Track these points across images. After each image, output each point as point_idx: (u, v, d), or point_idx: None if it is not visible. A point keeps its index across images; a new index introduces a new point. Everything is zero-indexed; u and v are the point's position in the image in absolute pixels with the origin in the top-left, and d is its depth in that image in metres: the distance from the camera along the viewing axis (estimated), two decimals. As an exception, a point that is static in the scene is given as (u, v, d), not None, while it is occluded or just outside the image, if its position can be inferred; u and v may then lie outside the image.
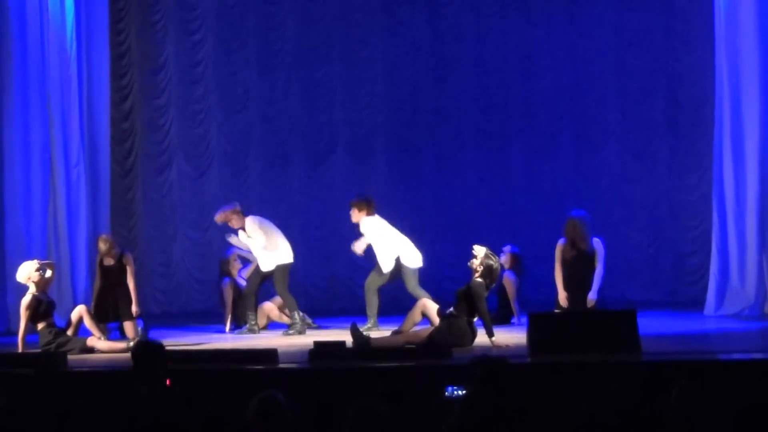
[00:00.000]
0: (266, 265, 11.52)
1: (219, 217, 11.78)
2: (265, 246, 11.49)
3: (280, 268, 11.49)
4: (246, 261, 12.28)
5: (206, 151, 14.58)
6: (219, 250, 13.58)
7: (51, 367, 8.69)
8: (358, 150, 14.36)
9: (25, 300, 10.01)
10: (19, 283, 10.51)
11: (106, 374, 8.74)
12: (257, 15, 14.49)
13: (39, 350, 9.81)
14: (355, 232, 14.23)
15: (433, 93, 14.24)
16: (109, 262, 11.15)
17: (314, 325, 11.71)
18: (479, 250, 9.89)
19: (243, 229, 11.56)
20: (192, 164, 14.59)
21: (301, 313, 11.40)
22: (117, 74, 14.27)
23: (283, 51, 14.43)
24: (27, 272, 10.13)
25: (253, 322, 11.51)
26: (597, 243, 10.98)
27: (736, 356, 8.83)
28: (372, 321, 11.26)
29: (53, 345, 9.81)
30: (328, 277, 13.61)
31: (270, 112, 14.48)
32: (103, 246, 11.16)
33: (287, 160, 14.25)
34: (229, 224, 11.66)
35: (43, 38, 12.41)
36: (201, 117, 14.57)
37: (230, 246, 12.50)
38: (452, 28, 14.19)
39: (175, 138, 14.59)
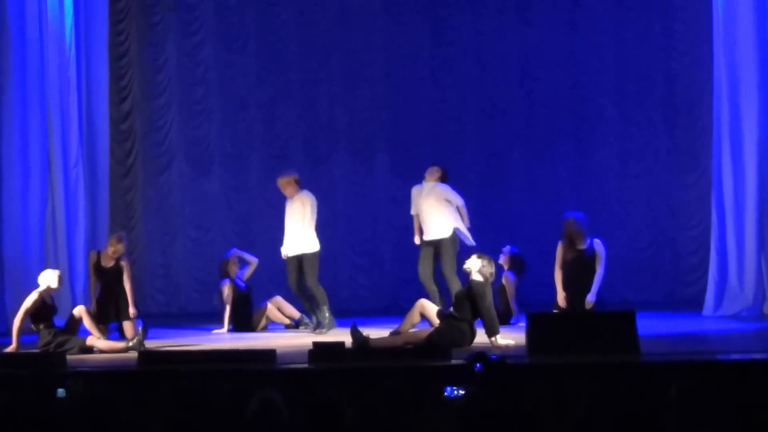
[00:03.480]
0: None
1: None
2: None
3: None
4: (245, 263, 12.30)
5: (206, 152, 14.58)
6: (219, 250, 13.60)
7: (50, 367, 8.69)
8: (358, 151, 14.37)
9: (30, 298, 10.00)
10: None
11: (106, 374, 8.76)
12: (257, 16, 14.49)
13: (38, 350, 9.82)
14: (356, 233, 14.27)
15: (433, 94, 14.25)
16: (108, 263, 11.16)
17: (306, 322, 11.72)
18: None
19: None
20: (192, 165, 14.59)
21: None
22: (117, 75, 14.26)
23: (283, 52, 14.43)
24: (49, 279, 10.13)
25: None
26: (598, 244, 11.00)
27: (734, 357, 8.84)
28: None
29: (52, 345, 9.83)
30: (329, 278, 13.58)
31: (270, 113, 14.48)
32: (118, 245, 11.16)
33: (287, 161, 14.24)
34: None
35: (42, 39, 12.39)
36: (201, 118, 14.57)
37: (231, 247, 12.53)
38: (452, 29, 14.20)
39: (175, 139, 14.59)
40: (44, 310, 10.03)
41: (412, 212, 11.53)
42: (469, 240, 11.21)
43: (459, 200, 11.31)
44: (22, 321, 9.99)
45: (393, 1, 14.32)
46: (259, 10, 14.49)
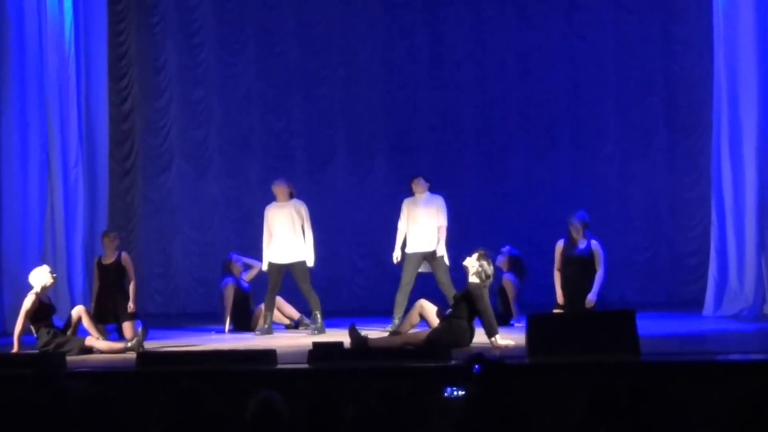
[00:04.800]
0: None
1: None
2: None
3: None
4: (247, 265, 12.27)
5: (206, 153, 14.59)
6: (219, 250, 13.60)
7: (50, 367, 8.69)
8: (358, 151, 14.37)
9: (28, 301, 9.99)
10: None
11: (105, 375, 8.76)
12: (257, 17, 14.50)
13: (37, 351, 9.80)
14: (356, 233, 14.27)
15: (432, 95, 14.25)
16: (108, 260, 11.18)
17: (306, 322, 11.71)
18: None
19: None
20: (192, 165, 14.59)
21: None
22: (116, 75, 14.27)
23: (283, 53, 14.44)
24: (41, 277, 10.10)
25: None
26: (596, 245, 11.01)
27: (734, 357, 8.85)
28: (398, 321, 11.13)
29: (52, 345, 9.81)
30: (328, 278, 13.61)
31: (270, 114, 14.48)
32: (108, 242, 11.20)
33: (287, 162, 14.25)
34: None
35: (41, 38, 12.39)
36: (201, 118, 14.57)
37: (230, 251, 12.49)
38: (451, 30, 14.19)
39: (174, 139, 14.59)
40: (42, 310, 10.01)
41: (401, 225, 11.50)
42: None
43: (445, 220, 11.34)
44: (23, 325, 9.96)
45: (392, 2, 14.32)
46: (259, 11, 14.49)
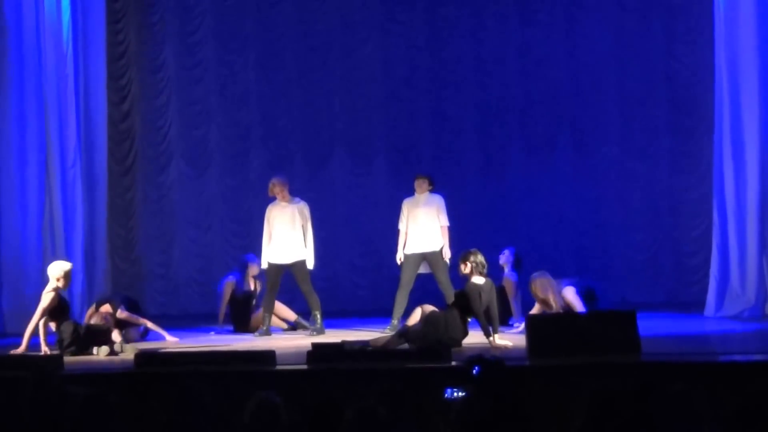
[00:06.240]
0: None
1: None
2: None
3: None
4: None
5: (206, 152, 14.56)
6: (219, 250, 13.56)
7: (48, 369, 8.65)
8: (357, 150, 14.35)
9: (47, 297, 9.72)
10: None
11: (104, 376, 8.74)
12: (256, 15, 14.48)
13: (62, 347, 9.66)
14: (355, 233, 14.25)
15: (432, 93, 14.23)
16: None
17: (303, 324, 11.68)
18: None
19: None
20: (191, 165, 14.57)
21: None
22: (115, 75, 14.24)
23: (282, 51, 14.42)
24: (59, 271, 9.89)
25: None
26: (569, 291, 10.58)
27: (736, 358, 8.83)
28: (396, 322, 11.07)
29: (81, 333, 9.69)
30: (328, 278, 13.59)
31: (269, 113, 14.46)
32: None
33: (287, 161, 14.23)
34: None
35: (39, 38, 12.35)
36: (200, 118, 14.55)
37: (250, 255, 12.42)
38: (451, 28, 14.17)
39: (174, 138, 14.57)
40: (61, 305, 9.80)
41: (402, 226, 11.43)
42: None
43: (446, 220, 11.30)
44: (37, 323, 9.68)
45: (392, 2, 14.30)
46: (258, 10, 14.47)
